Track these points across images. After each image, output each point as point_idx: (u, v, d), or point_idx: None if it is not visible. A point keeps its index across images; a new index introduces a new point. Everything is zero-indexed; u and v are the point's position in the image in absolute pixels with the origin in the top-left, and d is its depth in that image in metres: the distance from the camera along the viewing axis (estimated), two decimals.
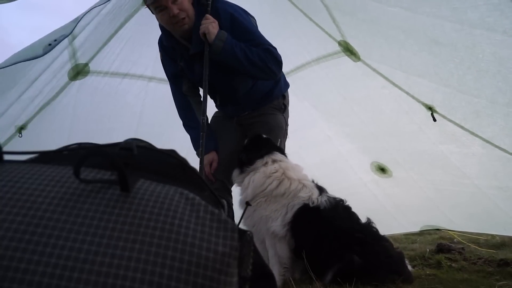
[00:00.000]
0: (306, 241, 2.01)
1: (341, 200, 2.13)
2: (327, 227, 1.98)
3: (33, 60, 2.31)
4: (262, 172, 2.15)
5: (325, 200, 2.05)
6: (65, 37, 2.10)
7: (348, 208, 2.11)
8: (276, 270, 2.02)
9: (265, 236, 2.09)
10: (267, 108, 2.38)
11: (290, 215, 2.04)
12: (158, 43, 2.34)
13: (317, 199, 2.05)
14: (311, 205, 2.03)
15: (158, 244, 0.50)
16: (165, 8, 1.99)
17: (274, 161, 2.20)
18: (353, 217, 2.08)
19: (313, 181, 2.19)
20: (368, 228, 2.07)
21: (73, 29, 2.13)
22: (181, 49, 2.20)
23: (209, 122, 2.38)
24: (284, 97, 2.45)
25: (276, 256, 2.05)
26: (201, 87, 2.21)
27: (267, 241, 2.08)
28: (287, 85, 2.50)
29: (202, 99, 2.12)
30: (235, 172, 2.28)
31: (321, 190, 2.13)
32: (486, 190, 2.70)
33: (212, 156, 2.29)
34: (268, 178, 2.12)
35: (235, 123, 2.45)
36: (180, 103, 2.40)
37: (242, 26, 2.08)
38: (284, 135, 2.45)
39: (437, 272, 2.25)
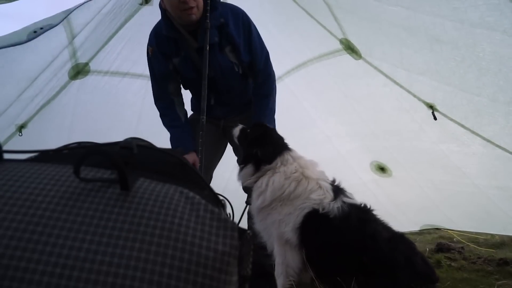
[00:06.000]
0: (313, 252, 1.74)
1: (359, 208, 1.81)
2: (333, 240, 1.69)
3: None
4: (283, 173, 1.85)
5: (337, 207, 1.73)
6: (52, 27, 2.06)
7: (363, 220, 1.75)
8: (280, 281, 1.75)
9: (274, 242, 1.83)
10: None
11: (299, 219, 1.76)
12: (151, 36, 2.23)
13: (329, 204, 1.74)
14: (320, 211, 1.73)
15: (158, 243, 0.50)
16: None
17: (293, 158, 1.91)
18: (368, 230, 1.70)
19: (332, 181, 1.92)
20: (388, 245, 1.65)
21: (62, 20, 2.10)
22: (183, 41, 2.16)
23: (188, 120, 2.32)
24: None
25: (283, 265, 1.75)
26: (193, 87, 2.28)
27: (276, 247, 1.83)
28: None
29: (201, 98, 2.11)
30: (247, 171, 1.95)
31: (337, 193, 1.82)
32: (486, 190, 2.69)
33: (193, 157, 2.15)
34: (286, 180, 1.83)
35: (221, 128, 2.41)
36: (165, 103, 2.31)
37: (254, 44, 2.18)
38: None
39: (436, 271, 2.25)
